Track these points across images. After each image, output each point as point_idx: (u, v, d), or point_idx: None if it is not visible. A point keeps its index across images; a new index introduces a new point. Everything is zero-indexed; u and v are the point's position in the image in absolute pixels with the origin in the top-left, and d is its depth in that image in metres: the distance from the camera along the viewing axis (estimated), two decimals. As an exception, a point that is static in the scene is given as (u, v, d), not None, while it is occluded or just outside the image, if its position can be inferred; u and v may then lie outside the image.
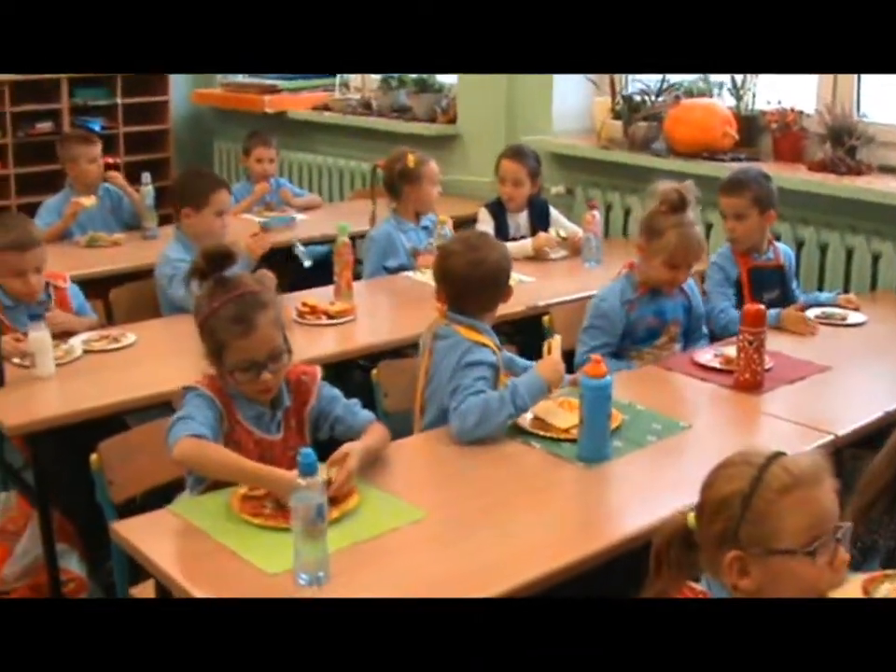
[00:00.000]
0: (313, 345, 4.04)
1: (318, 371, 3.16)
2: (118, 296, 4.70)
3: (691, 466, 2.78)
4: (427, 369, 3.52)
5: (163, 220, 5.95)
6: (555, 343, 3.43)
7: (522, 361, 3.66)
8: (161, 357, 4.00)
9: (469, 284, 3.48)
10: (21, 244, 4.15)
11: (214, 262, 3.01)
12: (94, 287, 4.94)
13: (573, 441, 3.19)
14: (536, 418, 3.36)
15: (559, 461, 3.12)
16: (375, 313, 4.55)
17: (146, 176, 5.78)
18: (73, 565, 3.85)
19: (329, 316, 4.30)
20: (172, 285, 4.43)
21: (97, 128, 8.01)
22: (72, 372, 3.82)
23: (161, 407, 3.48)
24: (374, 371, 3.71)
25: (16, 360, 3.82)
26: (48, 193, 7.72)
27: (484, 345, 3.44)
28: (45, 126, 8.04)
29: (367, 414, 3.19)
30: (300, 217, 6.22)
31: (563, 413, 3.37)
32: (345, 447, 2.93)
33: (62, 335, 4.02)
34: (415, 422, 3.56)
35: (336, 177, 7.60)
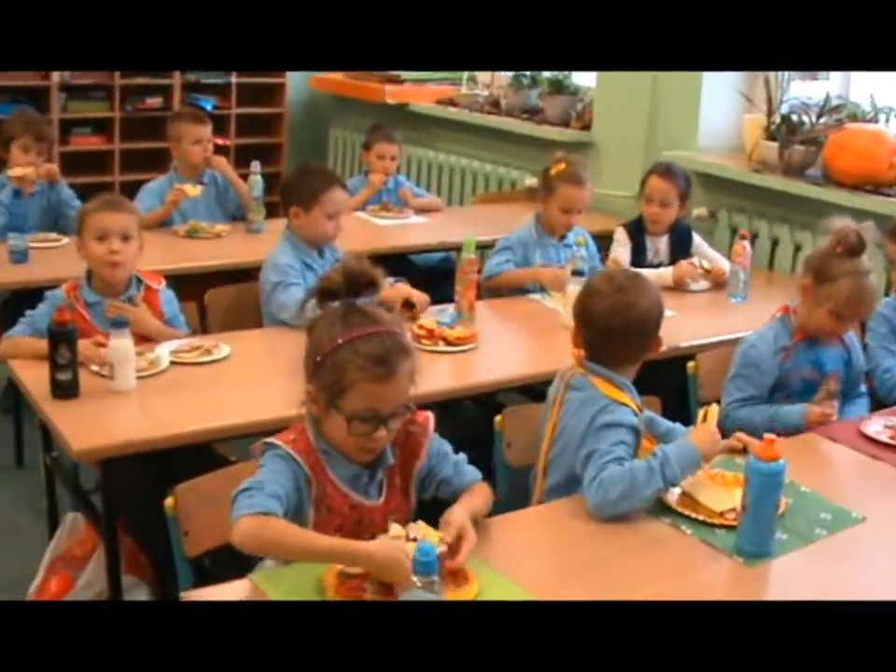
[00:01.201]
0: (427, 376, 3.52)
1: (431, 421, 2.67)
2: (214, 298, 4.26)
3: (867, 570, 2.52)
4: (556, 423, 3.04)
5: (271, 212, 5.51)
6: (712, 413, 2.96)
7: (663, 422, 3.19)
8: (258, 377, 3.56)
9: (612, 331, 3.00)
10: (111, 203, 3.80)
11: (353, 285, 2.52)
12: (189, 284, 4.55)
13: (729, 527, 2.69)
14: (684, 494, 2.88)
15: (713, 553, 2.63)
16: (499, 341, 4.05)
17: (255, 165, 5.34)
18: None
19: (448, 342, 3.82)
20: (277, 292, 3.99)
21: (209, 107, 7.66)
22: (155, 387, 3.39)
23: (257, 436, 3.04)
24: (498, 419, 3.25)
25: (94, 367, 3.40)
26: (152, 172, 7.38)
27: (624, 404, 2.96)
28: (154, 101, 7.70)
29: (474, 473, 2.73)
30: (417, 219, 5.75)
31: (716, 491, 2.89)
32: (455, 519, 2.46)
33: (144, 339, 3.63)
34: (536, 483, 3.09)
35: (457, 178, 7.14)
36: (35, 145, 5.14)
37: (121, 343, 3.28)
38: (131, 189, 7.39)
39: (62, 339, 3.21)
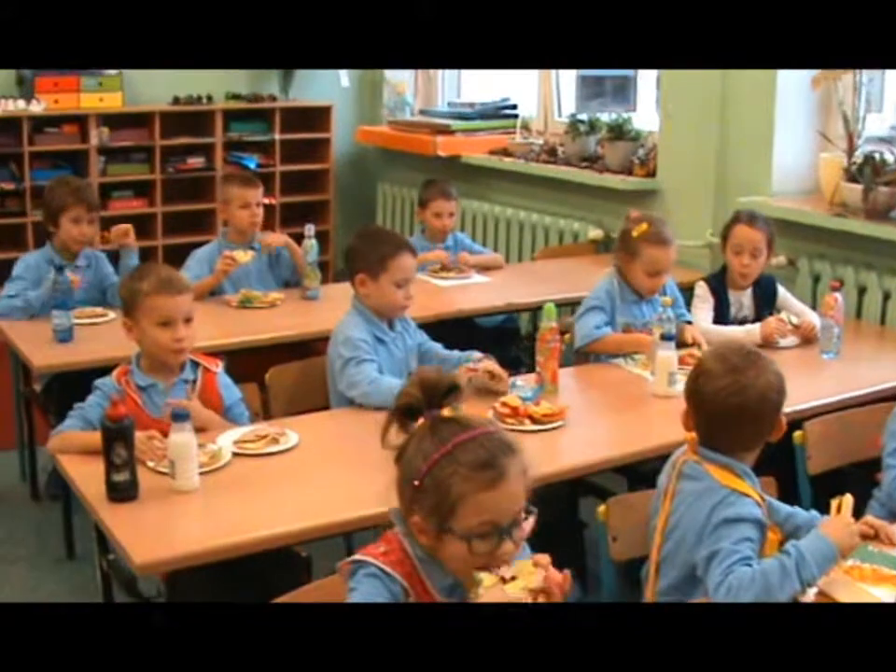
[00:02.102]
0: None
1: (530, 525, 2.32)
2: (277, 378, 3.96)
3: None
4: (668, 516, 2.72)
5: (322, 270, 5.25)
6: (846, 504, 2.68)
7: (782, 507, 2.88)
8: (331, 468, 3.26)
9: (727, 415, 2.72)
10: (172, 284, 3.49)
11: (434, 396, 2.23)
12: (244, 358, 4.29)
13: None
14: (821, 594, 2.56)
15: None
16: (585, 415, 3.71)
17: (309, 228, 5.05)
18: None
19: (534, 420, 3.50)
20: (349, 369, 3.70)
21: (252, 165, 7.43)
22: (219, 484, 3.09)
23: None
24: (602, 509, 2.93)
25: (150, 464, 3.10)
26: (195, 234, 7.21)
27: (745, 494, 2.66)
28: (196, 161, 7.46)
29: None
30: (479, 278, 5.44)
31: (856, 589, 2.55)
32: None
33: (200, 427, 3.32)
34: (648, 583, 2.77)
35: (515, 231, 6.83)
36: (87, 215, 4.86)
37: (183, 439, 2.98)
38: (174, 253, 7.20)
39: (117, 437, 2.92)
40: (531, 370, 5.71)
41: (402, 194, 7.71)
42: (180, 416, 2.98)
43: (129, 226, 4.97)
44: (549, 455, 3.37)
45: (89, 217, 4.87)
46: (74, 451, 3.27)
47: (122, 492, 2.94)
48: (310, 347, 4.81)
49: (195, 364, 3.53)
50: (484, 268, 5.63)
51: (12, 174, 6.98)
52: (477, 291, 5.26)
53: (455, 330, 4.72)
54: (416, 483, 2.16)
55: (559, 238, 6.51)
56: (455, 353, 3.98)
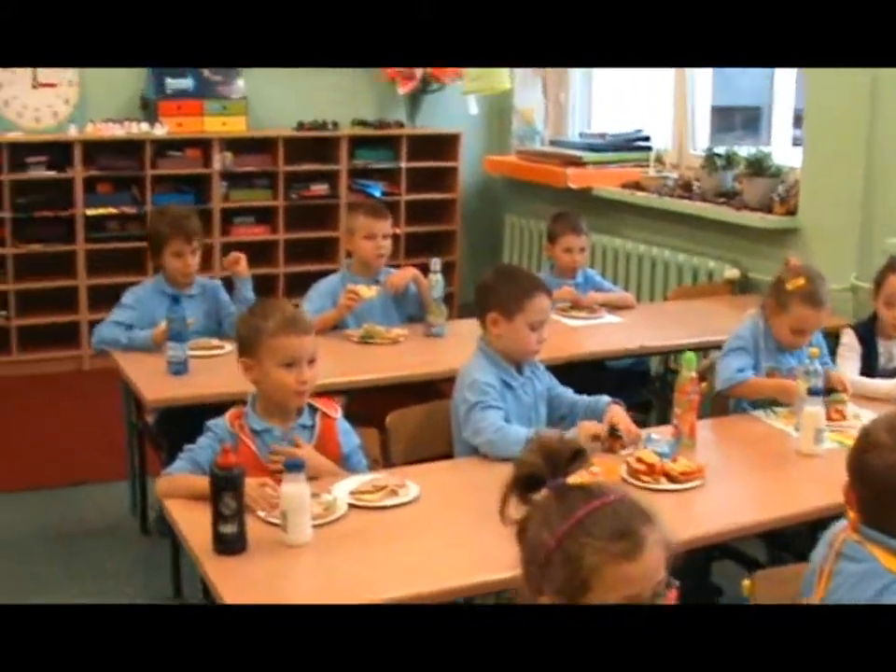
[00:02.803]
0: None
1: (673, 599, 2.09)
2: (398, 422, 3.75)
3: None
4: (824, 597, 2.45)
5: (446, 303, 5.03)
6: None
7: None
8: (454, 525, 3.04)
9: None
10: (297, 324, 3.29)
11: (557, 464, 2.00)
12: (364, 397, 4.10)
13: None
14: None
15: None
16: (726, 475, 3.42)
17: (435, 263, 4.85)
18: None
19: (671, 479, 3.24)
20: (474, 414, 3.49)
21: (377, 193, 7.31)
22: (332, 539, 2.89)
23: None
24: (747, 583, 2.67)
25: (261, 514, 2.92)
26: (317, 263, 7.10)
27: (915, 583, 2.36)
28: (320, 188, 7.36)
29: None
30: (610, 318, 5.19)
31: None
32: None
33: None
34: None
35: (647, 268, 6.57)
36: (188, 246, 4.69)
37: (296, 489, 2.79)
38: (295, 281, 7.12)
39: (226, 487, 2.73)
40: (661, 413, 5.53)
41: (530, 226, 7.49)
42: (294, 466, 2.79)
43: (240, 255, 4.79)
44: (686, 518, 3.10)
45: (191, 249, 4.69)
46: (181, 495, 3.10)
47: (229, 544, 2.76)
48: (434, 388, 4.61)
49: (313, 409, 3.33)
50: (615, 307, 5.37)
51: (134, 197, 6.93)
52: (608, 332, 5.01)
53: (583, 372, 4.49)
54: (543, 560, 1.93)
55: (693, 277, 6.23)
56: (585, 398, 3.74)
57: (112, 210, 6.97)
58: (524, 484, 2.02)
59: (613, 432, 3.48)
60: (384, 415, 3.89)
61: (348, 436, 3.38)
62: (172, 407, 4.10)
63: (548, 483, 1.99)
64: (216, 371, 4.24)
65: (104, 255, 7.02)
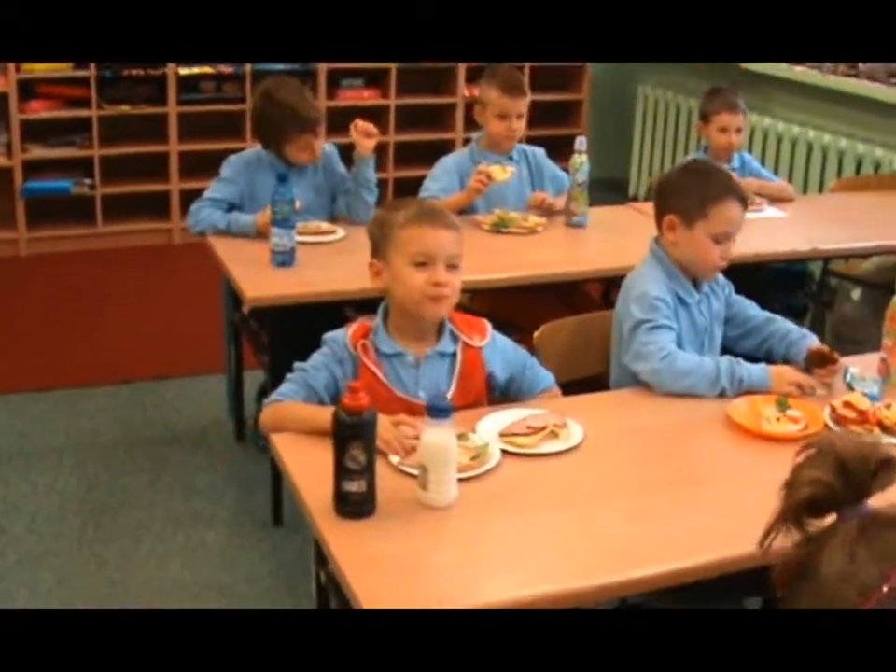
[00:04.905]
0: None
1: None
2: (548, 338, 3.12)
3: None
4: None
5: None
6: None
7: None
8: (631, 482, 2.43)
9: None
10: (436, 216, 2.64)
11: (859, 481, 1.34)
12: (489, 298, 3.58)
13: None
14: None
15: None
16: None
17: (580, 142, 4.16)
18: None
19: (884, 429, 2.60)
20: (639, 335, 2.86)
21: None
22: (482, 498, 2.29)
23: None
24: None
25: (393, 459, 2.33)
26: (430, 131, 6.56)
27: None
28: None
29: None
30: (773, 212, 4.49)
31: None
32: None
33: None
34: None
35: (801, 154, 5.83)
36: (314, 140, 4.01)
37: (441, 439, 2.18)
38: (407, 151, 6.50)
39: (355, 435, 2.13)
40: (816, 319, 4.88)
41: (666, 99, 6.81)
42: (440, 410, 2.17)
43: (373, 129, 4.09)
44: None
45: (317, 140, 4.01)
46: (292, 428, 2.52)
47: (355, 506, 2.17)
48: (577, 289, 4.00)
49: (454, 335, 2.70)
50: (772, 198, 4.67)
51: (232, 56, 6.29)
52: (772, 229, 4.31)
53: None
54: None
55: (856, 166, 5.51)
56: (770, 321, 3.11)
57: (207, 69, 6.38)
58: (807, 509, 1.37)
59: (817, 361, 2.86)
60: (515, 321, 3.31)
61: (503, 356, 2.75)
62: (275, 307, 3.51)
63: (844, 510, 1.35)
64: (327, 262, 3.67)
65: (197, 118, 6.46)
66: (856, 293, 5.02)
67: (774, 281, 4.69)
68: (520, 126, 4.23)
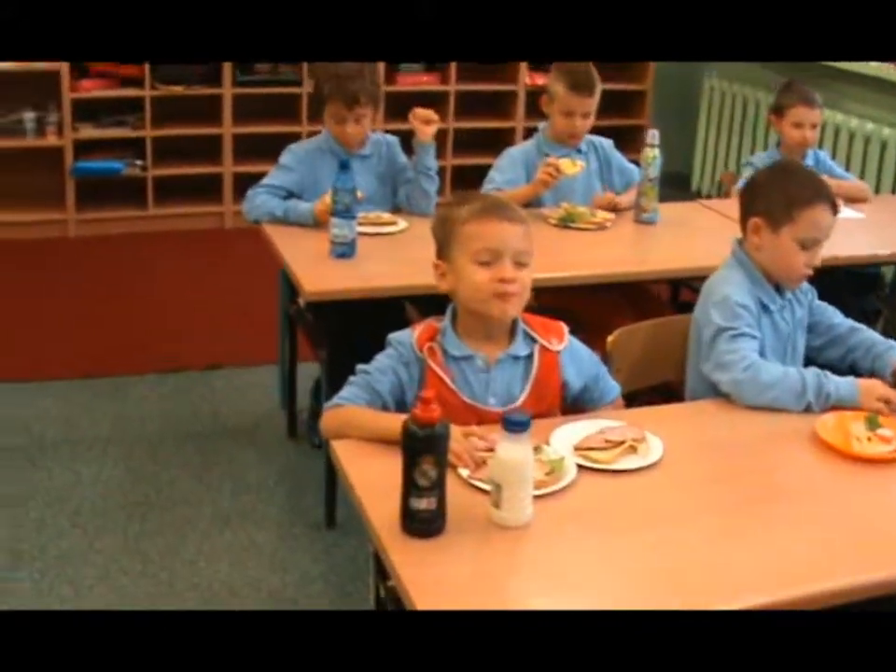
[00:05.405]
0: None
1: None
2: (622, 343, 2.96)
3: None
4: None
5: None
6: None
7: None
8: (720, 503, 2.26)
9: None
10: (502, 209, 2.48)
11: None
12: (555, 297, 3.39)
13: None
14: None
15: None
16: None
17: (652, 135, 4.02)
18: None
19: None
20: (721, 343, 2.72)
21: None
22: (559, 518, 2.15)
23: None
24: None
25: (463, 472, 2.20)
26: (491, 118, 6.42)
27: None
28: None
29: None
30: (850, 213, 4.29)
31: None
32: None
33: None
34: None
35: (875, 151, 5.63)
36: (349, 112, 3.84)
37: (517, 456, 2.04)
38: (466, 139, 6.37)
39: (426, 449, 1.99)
40: (889, 323, 4.70)
41: (733, 91, 6.62)
42: (517, 424, 2.02)
43: (434, 115, 3.96)
44: None
45: (353, 116, 3.85)
46: (355, 435, 2.38)
47: (424, 524, 2.03)
48: (643, 290, 3.84)
49: (530, 337, 2.55)
50: (847, 198, 4.47)
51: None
52: (850, 231, 4.11)
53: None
54: None
55: (934, 164, 5.32)
56: (857, 331, 2.95)
57: (264, 50, 6.20)
58: None
59: None
60: (580, 320, 3.14)
61: (580, 364, 2.60)
62: (333, 302, 3.37)
63: None
64: (388, 255, 3.54)
65: (252, 100, 6.34)
66: (930, 295, 4.85)
67: (846, 284, 4.51)
68: (585, 125, 4.07)
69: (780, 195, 2.80)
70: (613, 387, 2.67)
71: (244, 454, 3.99)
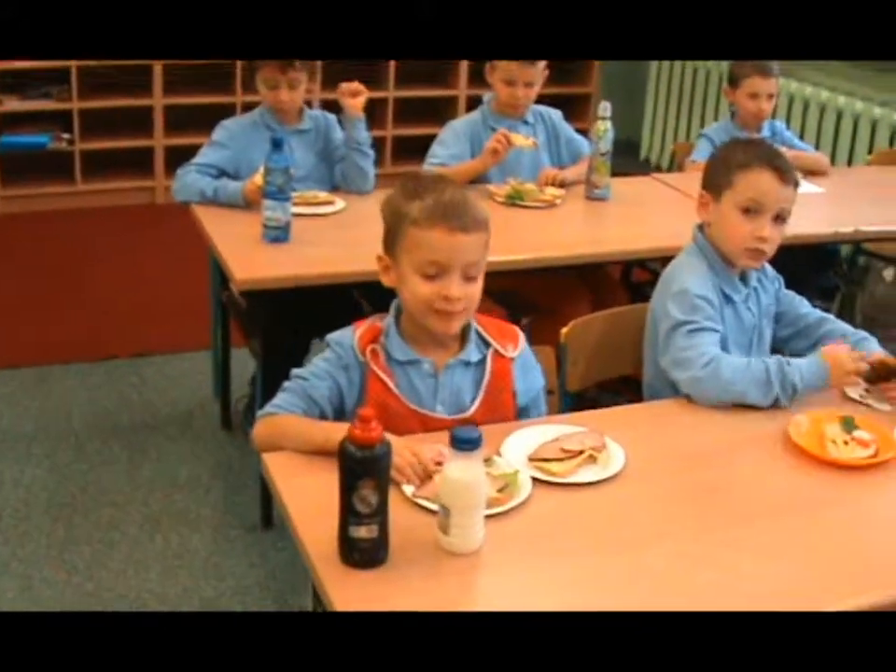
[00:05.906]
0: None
1: None
2: (576, 336, 2.76)
3: None
4: None
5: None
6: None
7: None
8: (670, 504, 2.09)
9: None
10: (457, 215, 2.16)
11: None
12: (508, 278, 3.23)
13: None
14: None
15: None
16: None
17: (604, 107, 3.83)
18: None
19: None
20: (678, 338, 2.53)
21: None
22: (513, 542, 1.95)
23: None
24: None
25: (406, 489, 1.99)
26: (433, 86, 6.19)
27: None
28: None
29: None
30: (809, 187, 4.12)
31: None
32: None
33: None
34: None
35: (830, 121, 5.47)
36: (283, 76, 3.61)
37: (467, 475, 1.83)
38: (406, 109, 6.12)
39: (365, 472, 1.78)
40: (846, 300, 4.55)
41: (679, 66, 6.42)
42: (467, 441, 1.82)
43: (362, 88, 3.72)
44: None
45: (287, 80, 3.63)
46: (289, 446, 2.16)
47: (365, 554, 1.83)
48: (597, 268, 3.66)
49: (484, 340, 2.33)
50: (805, 171, 4.29)
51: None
52: (807, 207, 3.91)
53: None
54: None
55: (890, 136, 5.15)
56: (815, 314, 2.77)
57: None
58: None
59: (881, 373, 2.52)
60: (533, 301, 2.97)
61: (529, 377, 2.39)
62: (265, 291, 3.15)
63: None
64: (325, 237, 3.34)
65: (184, 69, 6.08)
66: (889, 272, 4.71)
67: (804, 261, 4.35)
68: (528, 94, 3.88)
69: (721, 162, 2.65)
70: (543, 411, 2.45)
71: (175, 448, 3.78)
